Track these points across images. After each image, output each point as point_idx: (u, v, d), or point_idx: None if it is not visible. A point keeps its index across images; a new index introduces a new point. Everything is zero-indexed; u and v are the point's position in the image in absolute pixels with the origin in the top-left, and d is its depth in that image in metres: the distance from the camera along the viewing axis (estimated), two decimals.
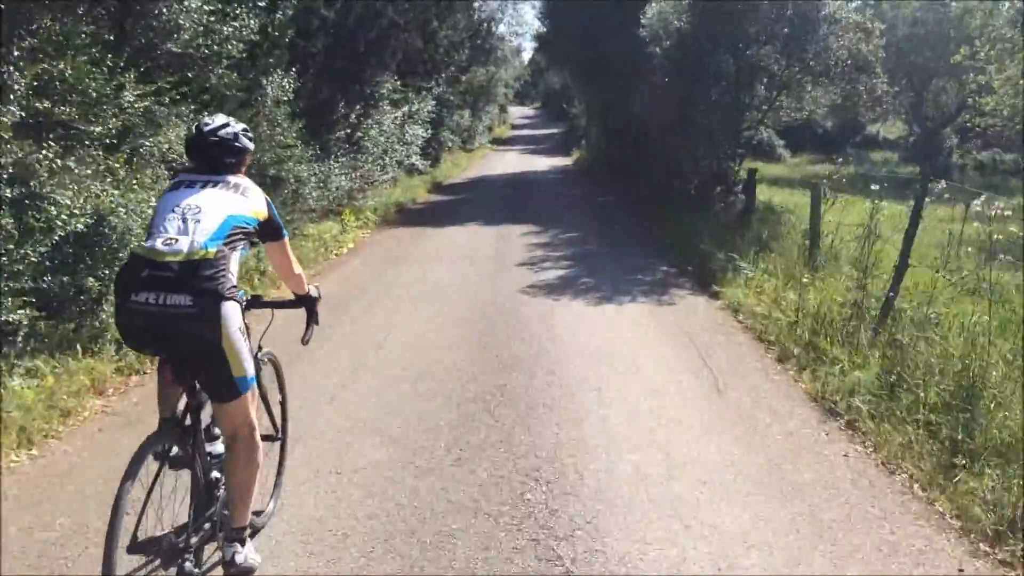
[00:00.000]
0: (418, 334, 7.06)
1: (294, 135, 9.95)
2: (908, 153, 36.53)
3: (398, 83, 16.71)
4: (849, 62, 12.17)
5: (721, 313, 8.02)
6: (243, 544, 2.94)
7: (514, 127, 57.46)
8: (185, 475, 2.90)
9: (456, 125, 31.71)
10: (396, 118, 17.16)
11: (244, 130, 3.08)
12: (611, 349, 6.65)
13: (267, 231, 3.05)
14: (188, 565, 2.75)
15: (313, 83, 11.60)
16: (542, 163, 32.88)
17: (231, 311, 2.69)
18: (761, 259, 8.99)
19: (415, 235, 13.19)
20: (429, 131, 20.34)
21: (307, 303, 3.33)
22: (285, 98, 9.69)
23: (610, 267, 10.28)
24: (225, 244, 2.75)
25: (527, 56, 58.52)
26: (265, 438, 3.15)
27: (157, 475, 2.67)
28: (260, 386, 3.20)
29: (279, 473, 3.73)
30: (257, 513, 3.27)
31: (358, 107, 14.00)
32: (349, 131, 13.43)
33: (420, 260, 10.81)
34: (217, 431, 3.02)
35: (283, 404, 3.70)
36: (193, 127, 3.05)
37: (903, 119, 40.66)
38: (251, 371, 2.85)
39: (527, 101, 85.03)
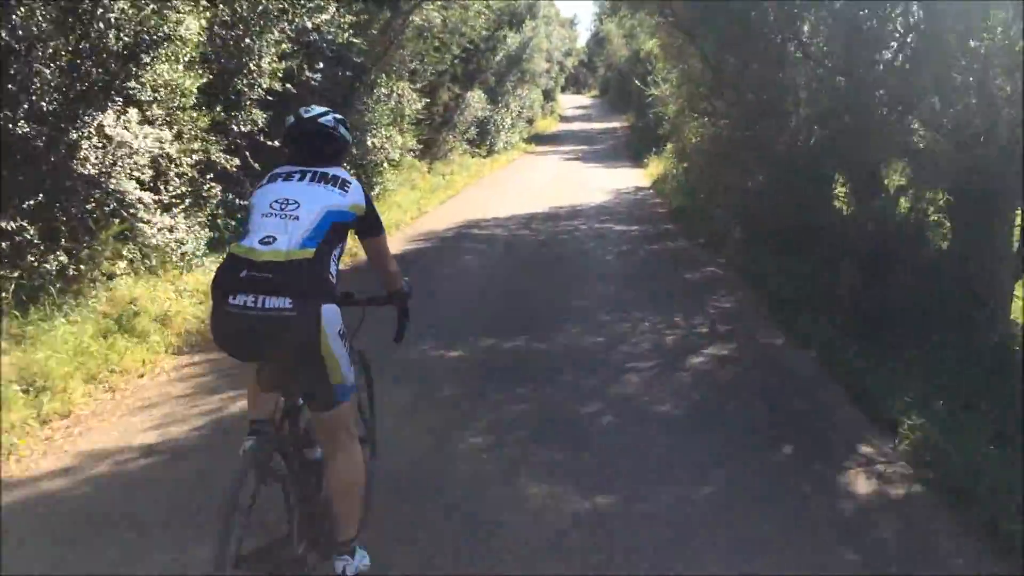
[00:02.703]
0: None
1: None
2: None
3: None
4: None
5: None
6: (352, 555, 2.63)
7: (563, 119, 42.44)
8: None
9: (436, 116, 17.10)
10: None
11: (342, 119, 2.82)
12: None
13: (366, 226, 2.74)
14: None
15: None
16: (596, 180, 17.94)
17: (331, 315, 2.46)
18: None
19: None
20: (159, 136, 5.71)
21: (399, 300, 2.97)
22: None
23: None
24: (325, 242, 2.49)
25: (583, 35, 43.95)
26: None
27: (257, 485, 2.35)
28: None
29: (369, 485, 3.05)
30: None
31: None
32: None
33: None
34: (314, 436, 2.72)
35: (371, 406, 3.28)
36: (292, 115, 2.79)
37: None
38: (351, 379, 2.60)
39: (583, 89, 69.86)
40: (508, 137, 26.22)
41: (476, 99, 21.48)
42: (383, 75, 11.33)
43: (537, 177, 19.02)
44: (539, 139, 31.47)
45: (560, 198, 14.80)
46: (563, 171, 20.72)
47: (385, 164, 11.27)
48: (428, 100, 14.85)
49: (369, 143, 10.38)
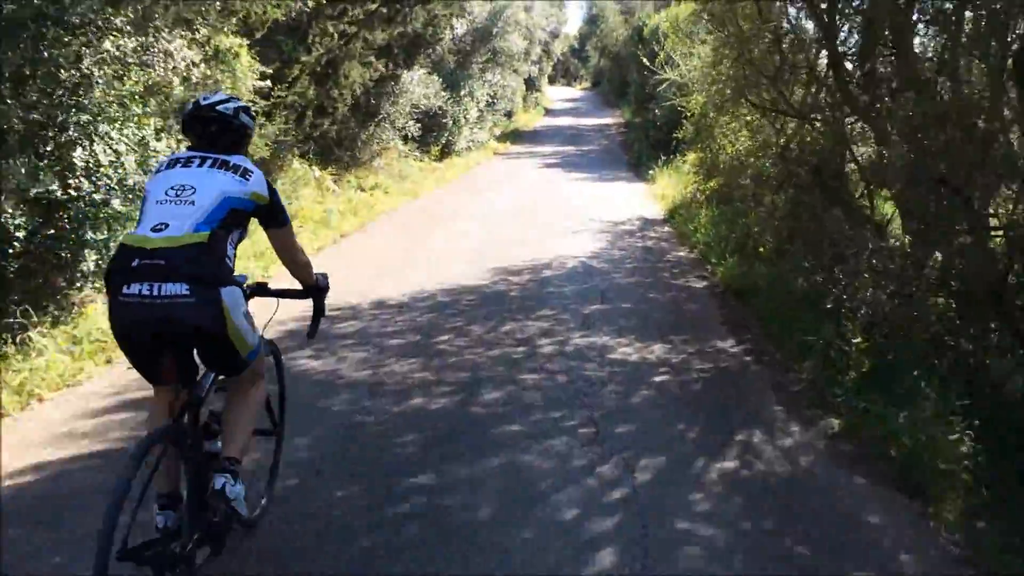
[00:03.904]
0: None
1: None
2: None
3: None
4: None
5: None
6: (235, 478, 2.44)
7: (549, 112, 35.92)
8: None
9: (338, 102, 10.71)
10: None
11: (245, 108, 2.68)
12: None
13: (268, 216, 2.59)
14: (180, 574, 2.32)
15: None
16: (582, 203, 11.57)
17: (232, 296, 2.32)
18: None
19: None
20: None
21: (314, 294, 2.84)
22: None
23: None
24: (220, 227, 2.36)
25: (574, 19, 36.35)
26: (261, 432, 2.92)
27: (150, 478, 2.26)
28: None
29: (274, 469, 3.13)
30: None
31: None
32: None
33: None
34: (215, 427, 2.60)
35: (282, 397, 3.15)
36: (191, 102, 2.70)
37: None
38: (255, 341, 2.47)
39: (574, 81, 63.50)
40: (473, 134, 19.90)
41: (419, 82, 15.15)
42: (120, 17, 5.03)
43: (498, 198, 12.69)
44: (517, 136, 25.14)
45: (521, 244, 8.53)
46: (538, 186, 14.41)
47: (106, 199, 4.95)
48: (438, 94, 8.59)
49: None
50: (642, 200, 12.79)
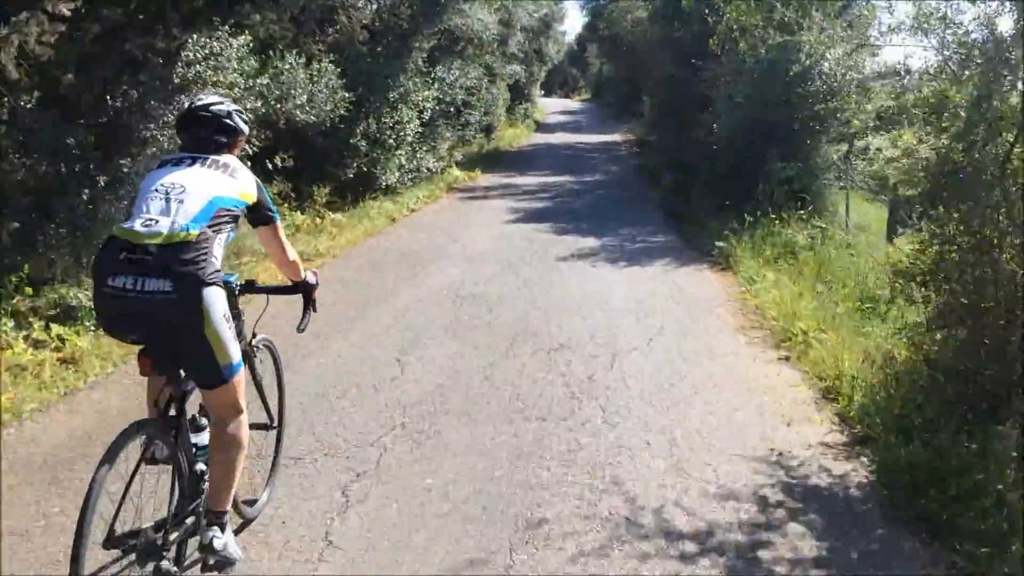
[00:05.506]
0: None
1: None
2: None
3: None
4: None
5: None
6: (223, 529, 2.46)
7: (541, 127, 28.11)
8: (168, 467, 2.39)
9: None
10: None
11: (238, 110, 2.65)
12: None
13: (257, 215, 2.60)
14: (166, 563, 2.28)
15: None
16: (596, 395, 3.03)
17: (214, 296, 2.27)
18: None
19: None
20: None
21: (304, 289, 2.82)
22: None
23: None
24: (209, 226, 2.31)
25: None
26: (258, 427, 2.87)
27: (137, 466, 2.21)
28: (254, 374, 2.85)
29: (274, 463, 3.14)
30: (250, 503, 2.89)
31: None
32: None
33: None
34: (204, 421, 2.53)
35: (280, 392, 3.15)
36: (186, 103, 2.75)
37: None
38: (236, 357, 2.41)
39: (572, 93, 56.02)
40: (418, 160, 12.09)
41: (254, 66, 7.32)
42: None
43: (369, 345, 4.94)
44: (494, 160, 17.34)
45: None
46: (494, 281, 6.62)
47: None
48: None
49: None
50: (737, 345, 4.98)
